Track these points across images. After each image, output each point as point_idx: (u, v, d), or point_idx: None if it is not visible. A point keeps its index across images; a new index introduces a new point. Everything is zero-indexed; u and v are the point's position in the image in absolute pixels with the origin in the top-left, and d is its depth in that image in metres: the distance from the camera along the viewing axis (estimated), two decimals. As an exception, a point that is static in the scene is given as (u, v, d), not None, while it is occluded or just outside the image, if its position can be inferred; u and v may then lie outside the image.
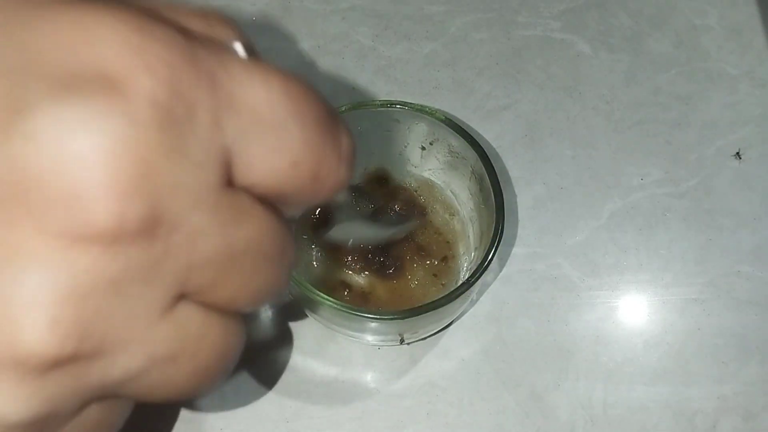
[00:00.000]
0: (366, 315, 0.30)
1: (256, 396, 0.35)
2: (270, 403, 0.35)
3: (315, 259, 0.35)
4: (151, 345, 0.16)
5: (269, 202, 0.18)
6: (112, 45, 0.14)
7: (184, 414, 0.34)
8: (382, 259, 0.35)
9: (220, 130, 0.15)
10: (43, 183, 0.14)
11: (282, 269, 0.18)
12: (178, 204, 0.15)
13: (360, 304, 0.34)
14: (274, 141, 0.16)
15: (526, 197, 0.40)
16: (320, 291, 0.30)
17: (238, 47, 0.17)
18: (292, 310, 0.37)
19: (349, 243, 0.34)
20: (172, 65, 0.15)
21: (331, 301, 0.30)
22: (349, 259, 0.35)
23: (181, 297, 0.16)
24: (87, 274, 0.14)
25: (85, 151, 0.14)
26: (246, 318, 0.19)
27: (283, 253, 0.18)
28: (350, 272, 0.35)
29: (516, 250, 0.38)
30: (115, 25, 0.14)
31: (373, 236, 0.34)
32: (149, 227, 0.14)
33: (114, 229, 0.14)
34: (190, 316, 0.16)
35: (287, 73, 0.17)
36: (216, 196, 0.16)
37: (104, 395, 0.16)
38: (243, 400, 0.35)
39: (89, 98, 0.14)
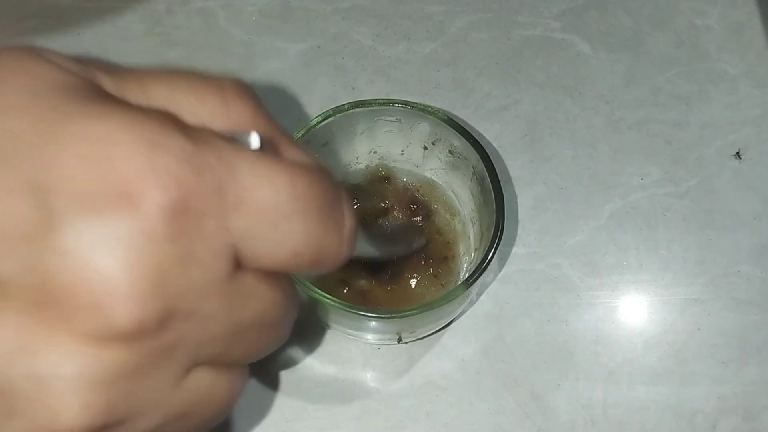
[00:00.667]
0: (365, 313, 0.30)
1: (256, 396, 0.35)
2: (270, 403, 0.35)
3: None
4: (166, 410, 0.18)
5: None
6: (129, 162, 0.16)
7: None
8: (380, 275, 0.35)
9: (227, 232, 0.17)
10: (71, 293, 0.16)
11: (285, 327, 0.21)
12: (190, 300, 0.17)
13: (359, 302, 0.34)
14: (277, 235, 0.18)
15: (526, 197, 0.40)
16: (319, 289, 0.30)
17: (254, 140, 0.19)
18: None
19: (359, 256, 0.34)
20: (184, 181, 0.16)
21: (329, 298, 0.30)
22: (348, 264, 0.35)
23: (193, 366, 0.18)
24: (112, 365, 0.16)
25: (106, 265, 0.16)
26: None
27: (285, 316, 0.20)
28: (349, 272, 0.35)
29: (516, 250, 0.38)
30: (131, 141, 0.16)
31: (382, 253, 0.34)
32: (164, 323, 0.17)
33: (134, 330, 0.16)
34: (200, 379, 0.19)
35: (295, 169, 0.18)
36: (223, 285, 0.18)
37: None
38: (243, 399, 0.35)
39: (109, 216, 0.16)
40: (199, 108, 0.19)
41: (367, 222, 0.36)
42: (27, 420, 0.16)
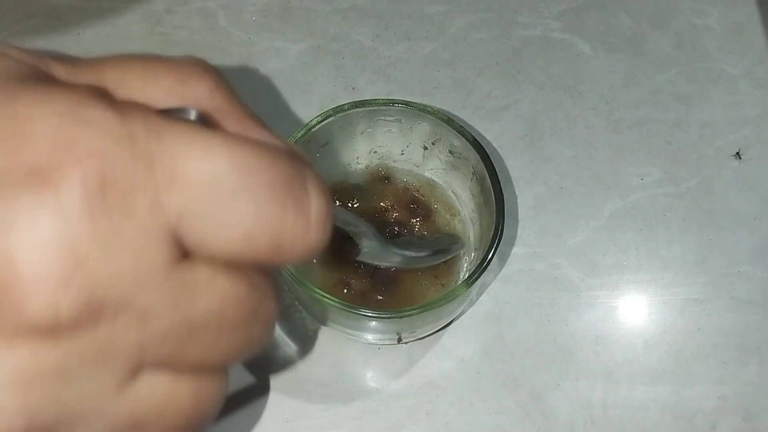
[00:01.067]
0: (365, 313, 0.30)
1: (256, 396, 0.35)
2: (270, 403, 0.35)
3: (315, 257, 0.35)
4: (110, 419, 0.16)
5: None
6: (43, 138, 0.14)
7: (184, 414, 0.34)
8: (380, 276, 0.35)
9: (160, 211, 0.15)
10: None
11: (257, 327, 0.18)
12: (119, 289, 0.15)
13: (359, 302, 0.34)
14: (221, 216, 0.16)
15: (526, 197, 0.40)
16: (320, 289, 0.30)
17: (191, 112, 0.17)
18: (293, 308, 0.37)
19: (377, 264, 0.33)
20: (104, 154, 0.15)
21: (330, 298, 0.30)
22: (348, 264, 0.35)
23: (141, 368, 0.16)
24: (28, 363, 0.15)
25: (13, 248, 0.14)
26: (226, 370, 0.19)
27: (255, 315, 0.18)
28: (349, 272, 0.35)
29: (516, 250, 0.38)
30: (48, 116, 0.15)
31: (399, 261, 0.33)
32: (90, 314, 0.15)
33: (48, 322, 0.14)
34: (152, 385, 0.17)
35: (238, 142, 0.16)
36: (163, 274, 0.15)
37: None
38: (243, 400, 0.35)
39: (16, 196, 0.14)
40: (150, 87, 0.17)
41: (402, 233, 0.36)
42: None
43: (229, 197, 0.16)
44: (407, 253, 0.32)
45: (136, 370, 0.16)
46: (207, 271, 0.16)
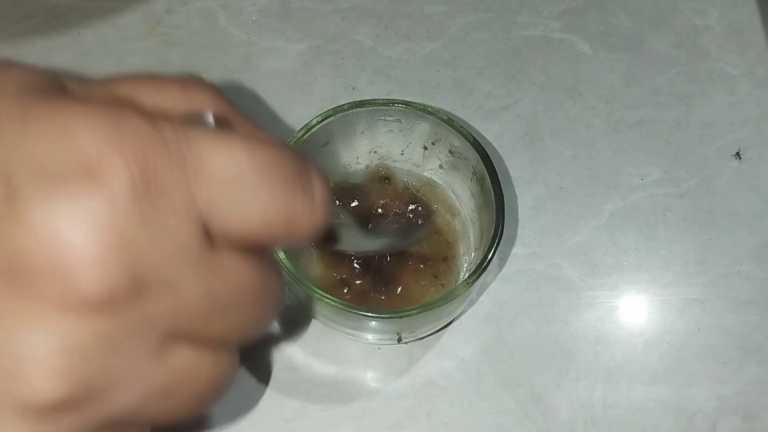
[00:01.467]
0: (364, 313, 0.30)
1: (256, 396, 0.35)
2: (270, 403, 0.35)
3: (315, 257, 0.35)
4: (146, 384, 0.18)
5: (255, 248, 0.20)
6: (91, 140, 0.17)
7: (184, 414, 0.34)
8: (379, 276, 0.35)
9: (192, 199, 0.18)
10: (39, 263, 0.16)
11: (267, 307, 0.21)
12: (160, 266, 0.17)
13: (359, 302, 0.34)
14: (243, 202, 0.18)
15: (526, 197, 0.40)
16: (320, 289, 0.30)
17: (209, 117, 0.20)
18: (292, 308, 0.37)
19: (357, 253, 0.34)
20: (145, 155, 0.17)
21: (330, 298, 0.30)
22: (347, 264, 0.35)
23: (172, 339, 0.18)
24: (84, 334, 0.17)
25: (72, 234, 0.16)
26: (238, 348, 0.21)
27: (266, 295, 0.20)
28: (350, 272, 0.35)
29: (516, 250, 0.38)
30: (92, 122, 0.17)
31: (378, 247, 0.34)
32: (135, 290, 0.17)
33: (103, 296, 0.16)
34: (181, 355, 0.19)
35: (252, 137, 0.19)
36: (195, 255, 0.18)
37: (110, 426, 0.18)
38: (243, 399, 0.35)
39: (73, 189, 0.16)
40: (159, 99, 0.19)
41: (365, 217, 0.36)
42: (3, 393, 0.16)
43: (250, 188, 0.18)
44: (381, 239, 0.34)
45: (168, 342, 0.18)
46: (229, 255, 0.19)
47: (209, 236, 0.18)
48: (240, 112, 0.21)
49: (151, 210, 0.17)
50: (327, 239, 0.34)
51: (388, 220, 0.36)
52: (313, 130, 0.33)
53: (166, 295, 0.17)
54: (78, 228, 0.16)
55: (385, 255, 0.35)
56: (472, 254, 0.35)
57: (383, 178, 0.37)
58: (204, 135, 0.18)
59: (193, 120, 0.19)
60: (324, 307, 0.31)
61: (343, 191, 0.37)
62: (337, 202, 0.36)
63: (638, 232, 0.39)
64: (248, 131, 0.21)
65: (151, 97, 0.19)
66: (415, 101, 0.34)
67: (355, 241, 0.32)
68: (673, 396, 0.35)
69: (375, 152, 0.37)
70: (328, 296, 0.30)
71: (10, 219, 0.16)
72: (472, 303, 0.37)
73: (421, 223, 0.36)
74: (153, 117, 0.18)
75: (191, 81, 0.21)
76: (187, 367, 0.19)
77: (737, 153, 0.41)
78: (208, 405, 0.21)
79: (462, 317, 0.37)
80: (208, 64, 0.43)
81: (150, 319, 0.17)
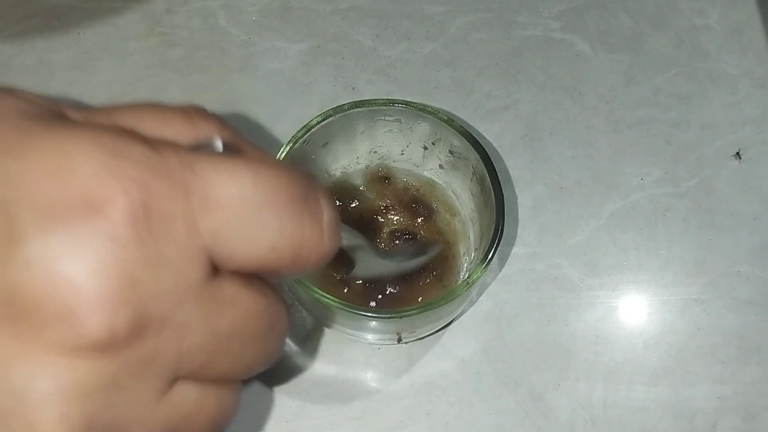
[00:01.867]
0: (364, 313, 0.30)
1: (256, 396, 0.35)
2: (270, 403, 0.35)
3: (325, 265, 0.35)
4: (151, 424, 0.18)
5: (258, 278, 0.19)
6: (90, 171, 0.16)
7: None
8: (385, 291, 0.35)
9: (197, 233, 0.17)
10: (40, 304, 0.16)
11: (273, 340, 0.20)
12: (163, 306, 0.17)
13: (359, 302, 0.34)
14: (250, 231, 0.18)
15: (526, 197, 0.40)
16: (320, 289, 0.30)
17: (217, 143, 0.19)
18: (293, 308, 0.37)
19: (372, 277, 0.34)
20: (146, 185, 0.16)
21: (330, 298, 0.30)
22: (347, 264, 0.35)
23: (176, 379, 0.18)
24: (87, 376, 0.16)
25: (73, 273, 0.16)
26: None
27: (271, 328, 0.20)
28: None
29: (516, 250, 0.38)
30: (92, 151, 0.16)
31: (394, 269, 0.34)
32: (138, 329, 0.16)
33: (106, 339, 0.16)
34: (185, 395, 0.19)
35: (258, 160, 0.18)
36: (198, 292, 0.17)
37: None
38: (243, 400, 0.35)
39: (73, 224, 0.16)
40: (165, 129, 0.19)
41: (375, 239, 0.36)
42: None
43: (256, 213, 0.18)
44: (396, 261, 0.33)
45: (172, 381, 0.18)
46: (232, 288, 0.18)
47: (213, 266, 0.18)
48: (245, 139, 0.21)
49: (153, 242, 0.16)
50: (342, 263, 0.34)
51: (401, 242, 0.36)
52: (313, 130, 0.33)
53: (169, 333, 0.17)
54: (78, 265, 0.16)
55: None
56: (472, 254, 0.35)
57: (383, 178, 0.37)
58: (208, 161, 0.18)
59: (201, 148, 0.19)
60: (324, 307, 0.31)
61: (343, 191, 0.37)
62: (349, 226, 0.36)
63: (638, 232, 0.39)
64: (254, 156, 0.20)
65: (154, 126, 0.19)
66: (415, 101, 0.34)
67: (370, 265, 0.32)
68: (673, 396, 0.35)
69: (375, 152, 0.37)
70: (328, 296, 0.30)
71: (9, 255, 0.16)
72: (472, 303, 0.37)
73: (435, 244, 0.36)
74: (155, 144, 0.17)
75: (195, 110, 0.20)
76: (191, 406, 0.19)
77: (737, 153, 0.41)
78: None
79: (462, 317, 0.37)
80: (208, 64, 0.43)
81: (154, 359, 0.17)
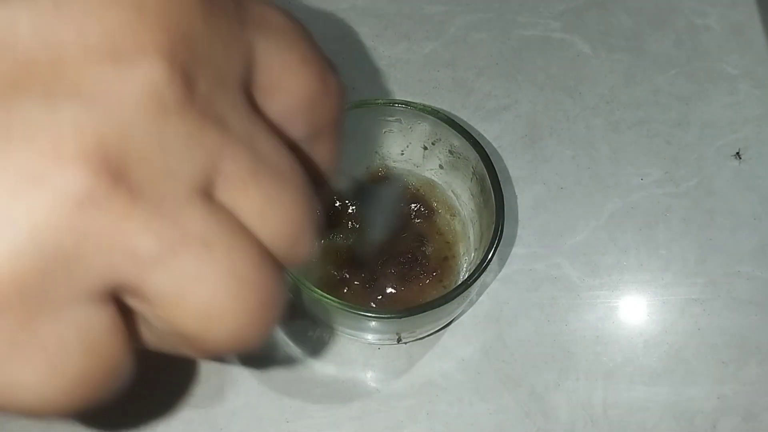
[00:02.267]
0: (364, 313, 0.30)
1: (256, 396, 0.35)
2: (270, 403, 0.35)
3: (315, 256, 0.35)
4: (184, 221, 0.15)
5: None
6: None
7: (184, 414, 0.34)
8: (380, 276, 0.35)
9: (243, 31, 0.17)
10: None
11: (304, 208, 0.18)
12: (210, 78, 0.16)
13: (359, 302, 0.34)
14: (287, 44, 0.18)
15: (526, 197, 0.40)
16: (319, 289, 0.30)
17: None
18: (292, 308, 0.37)
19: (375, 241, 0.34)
20: None
21: (330, 298, 0.30)
22: (348, 264, 0.35)
23: (215, 193, 0.16)
24: (129, 126, 0.14)
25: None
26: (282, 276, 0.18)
27: (301, 188, 0.18)
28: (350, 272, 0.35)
29: (516, 250, 0.38)
30: None
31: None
32: (189, 91, 0.15)
33: (160, 83, 0.14)
34: (225, 213, 0.16)
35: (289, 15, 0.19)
36: (237, 90, 0.16)
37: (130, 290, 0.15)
38: (243, 399, 0.35)
39: None
40: (288, 85, 0.19)
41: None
42: None
43: (290, 31, 0.19)
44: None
45: (212, 182, 0.16)
46: (262, 123, 0.17)
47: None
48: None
49: (210, 15, 0.16)
50: (325, 222, 0.34)
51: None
52: (313, 130, 0.33)
53: (214, 116, 0.15)
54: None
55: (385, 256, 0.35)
56: (472, 254, 0.35)
57: (383, 178, 0.37)
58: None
59: None
60: (324, 307, 0.31)
61: (343, 192, 0.37)
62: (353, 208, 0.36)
63: (638, 232, 0.39)
64: None
65: (279, 78, 0.19)
66: (415, 101, 0.34)
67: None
68: (673, 396, 0.35)
69: (375, 152, 0.37)
70: (329, 296, 0.30)
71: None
72: (472, 303, 0.37)
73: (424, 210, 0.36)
74: None
75: (334, 83, 0.21)
76: (229, 228, 0.16)
77: (737, 153, 0.41)
78: (253, 312, 0.16)
79: (462, 317, 0.37)
80: (208, 64, 0.43)
81: (198, 137, 0.15)
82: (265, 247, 0.17)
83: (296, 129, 0.19)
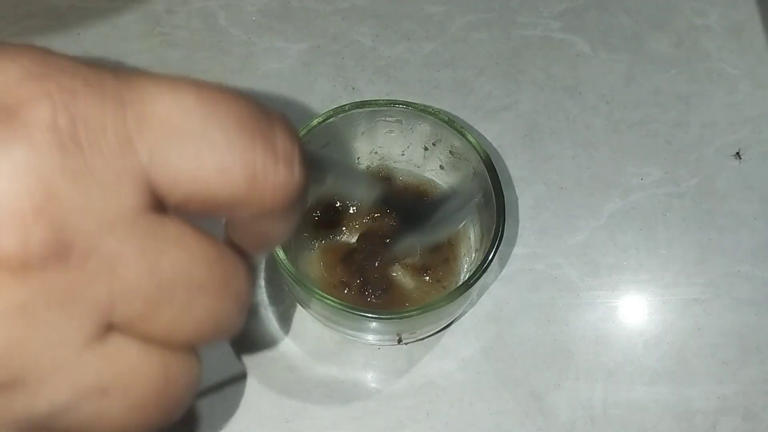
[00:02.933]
0: (365, 314, 0.30)
1: (256, 396, 0.35)
2: (270, 403, 0.35)
3: (315, 258, 0.35)
4: (76, 376, 0.15)
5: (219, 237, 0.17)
6: (13, 76, 0.14)
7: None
8: (380, 277, 0.35)
9: (132, 151, 0.15)
10: None
11: (229, 302, 0.18)
12: (89, 228, 0.15)
13: (360, 303, 0.34)
14: (194, 149, 0.16)
15: (526, 197, 0.40)
16: (320, 290, 0.30)
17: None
18: (293, 309, 0.37)
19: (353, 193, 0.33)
20: (74, 91, 0.15)
21: (330, 299, 0.30)
22: (348, 265, 0.35)
23: (112, 328, 0.16)
24: None
25: None
26: (200, 353, 0.18)
27: (226, 285, 0.17)
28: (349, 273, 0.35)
29: (516, 251, 0.38)
30: (17, 57, 0.15)
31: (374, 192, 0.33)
32: (58, 252, 0.14)
33: (19, 254, 0.14)
34: (122, 347, 0.16)
35: (201, 82, 0.17)
36: (132, 220, 0.15)
37: (36, 430, 0.16)
38: (243, 400, 0.35)
39: None
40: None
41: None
42: None
43: (200, 130, 0.16)
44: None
45: (105, 327, 0.16)
46: (177, 226, 0.16)
47: (154, 200, 0.16)
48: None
49: (78, 152, 0.15)
50: (362, 241, 0.34)
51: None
52: (314, 130, 0.33)
53: (97, 263, 0.15)
54: None
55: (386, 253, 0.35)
56: (473, 255, 0.35)
57: (384, 178, 0.37)
58: (147, 78, 0.16)
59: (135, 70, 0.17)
60: (324, 307, 0.31)
61: (343, 192, 0.37)
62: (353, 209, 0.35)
63: (638, 232, 0.39)
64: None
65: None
66: (415, 101, 0.34)
67: (346, 177, 0.31)
68: (673, 396, 0.35)
69: (376, 153, 0.37)
70: (329, 297, 0.30)
71: None
72: (472, 303, 0.37)
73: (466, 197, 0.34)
74: (89, 62, 0.16)
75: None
76: (129, 362, 0.16)
77: (737, 153, 0.41)
78: (155, 418, 0.17)
79: (462, 317, 0.37)
80: (208, 64, 0.43)
81: (78, 293, 0.15)
82: (174, 358, 0.17)
83: (228, 216, 0.18)
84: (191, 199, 0.16)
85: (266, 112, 0.17)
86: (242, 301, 0.18)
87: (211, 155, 0.16)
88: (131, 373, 0.16)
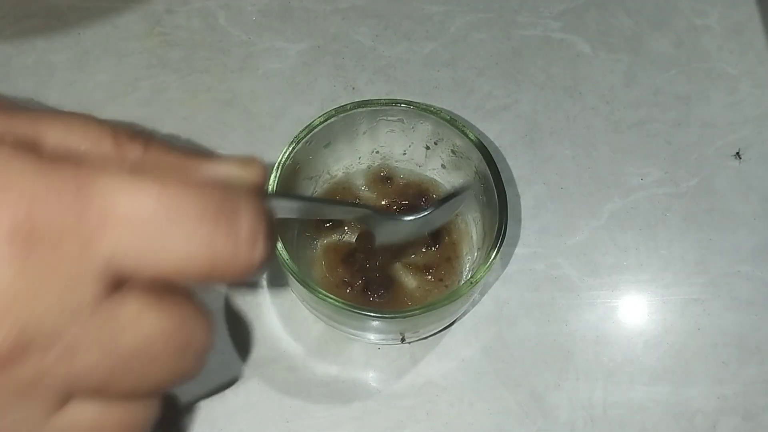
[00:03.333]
0: (367, 313, 0.30)
1: (256, 396, 0.35)
2: (270, 403, 0.35)
3: (318, 257, 0.35)
4: None
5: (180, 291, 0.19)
6: None
7: (184, 413, 0.34)
8: (382, 276, 0.35)
9: (91, 249, 0.16)
10: None
11: (187, 360, 0.19)
12: (50, 323, 0.16)
13: (362, 302, 0.34)
14: (157, 243, 0.17)
15: (526, 197, 0.40)
16: (323, 289, 0.30)
17: (123, 163, 0.19)
18: (293, 309, 0.37)
19: (398, 240, 0.33)
20: (34, 197, 0.16)
21: (333, 299, 0.30)
22: (350, 264, 0.35)
23: (71, 397, 0.17)
24: None
25: None
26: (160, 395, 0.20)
27: (185, 348, 0.19)
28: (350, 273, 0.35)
29: (516, 250, 0.38)
30: None
31: (419, 227, 0.32)
32: (19, 351, 0.15)
33: None
34: (81, 411, 0.18)
35: (167, 179, 0.18)
36: (92, 309, 0.16)
37: None
38: (243, 399, 0.35)
39: None
40: (67, 136, 0.18)
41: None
42: None
43: (160, 227, 0.17)
44: (418, 215, 0.31)
45: (64, 400, 0.17)
46: (135, 305, 0.17)
47: (116, 280, 0.17)
48: (184, 153, 0.20)
49: (40, 262, 0.16)
50: (363, 240, 0.34)
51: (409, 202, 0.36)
52: (315, 130, 0.33)
53: (57, 353, 0.16)
54: None
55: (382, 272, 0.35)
56: (475, 254, 0.35)
57: (385, 178, 0.37)
58: (109, 175, 0.17)
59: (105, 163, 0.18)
60: (327, 307, 0.30)
61: (344, 192, 0.37)
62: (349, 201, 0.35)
63: (638, 232, 0.39)
64: (171, 172, 0.20)
65: (57, 134, 0.18)
66: (415, 101, 0.34)
67: (388, 232, 0.31)
68: (673, 396, 0.35)
69: (377, 152, 0.37)
70: (332, 296, 0.30)
71: None
72: (474, 303, 0.37)
73: (458, 190, 0.32)
74: (53, 159, 0.16)
75: (123, 132, 0.20)
76: (90, 422, 0.18)
77: (737, 153, 0.41)
78: None
79: (463, 317, 0.37)
80: (208, 64, 0.43)
81: (40, 380, 0.16)
82: (132, 407, 0.19)
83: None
84: (155, 278, 0.18)
85: (232, 197, 0.19)
86: (202, 354, 0.20)
87: (174, 246, 0.17)
88: (94, 430, 0.18)
